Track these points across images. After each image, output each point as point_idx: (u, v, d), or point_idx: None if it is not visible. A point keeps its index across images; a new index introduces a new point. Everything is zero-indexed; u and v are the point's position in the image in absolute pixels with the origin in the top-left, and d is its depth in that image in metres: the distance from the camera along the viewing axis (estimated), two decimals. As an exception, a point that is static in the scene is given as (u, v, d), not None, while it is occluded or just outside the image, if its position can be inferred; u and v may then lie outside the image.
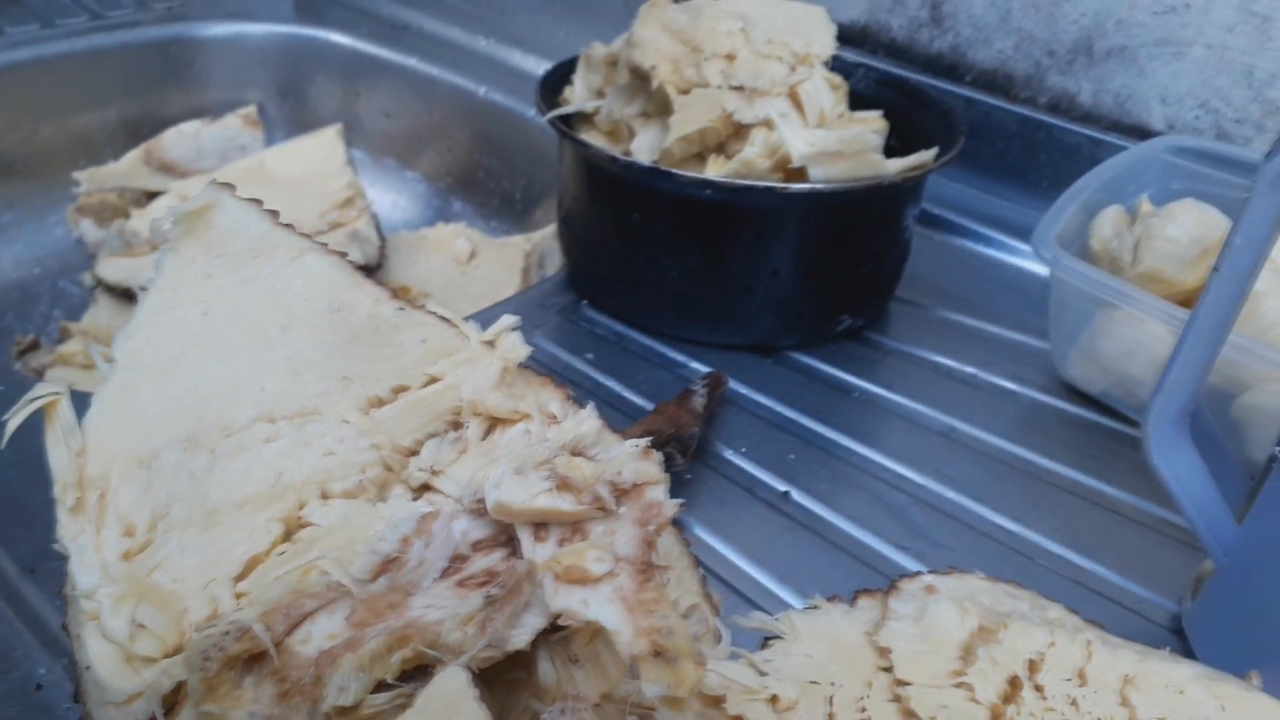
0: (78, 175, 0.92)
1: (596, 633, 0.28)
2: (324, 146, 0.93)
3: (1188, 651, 0.42)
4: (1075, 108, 0.73)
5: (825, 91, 0.55)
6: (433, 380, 0.36)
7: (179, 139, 0.98)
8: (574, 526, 0.30)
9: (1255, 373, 0.47)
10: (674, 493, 0.32)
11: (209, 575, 0.30)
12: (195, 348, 0.37)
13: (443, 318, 0.39)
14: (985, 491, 0.50)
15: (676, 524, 0.39)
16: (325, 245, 0.40)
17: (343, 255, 0.40)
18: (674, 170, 0.52)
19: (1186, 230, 0.53)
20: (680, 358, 0.59)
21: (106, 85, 0.98)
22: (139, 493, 0.32)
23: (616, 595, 0.28)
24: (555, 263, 0.84)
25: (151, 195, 0.94)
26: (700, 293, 0.58)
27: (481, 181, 0.95)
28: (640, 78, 0.56)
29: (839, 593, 0.38)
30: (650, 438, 0.33)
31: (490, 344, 0.38)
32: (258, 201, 0.40)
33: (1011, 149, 0.75)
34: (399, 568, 0.29)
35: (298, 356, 0.37)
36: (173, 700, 0.27)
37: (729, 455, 0.52)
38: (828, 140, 0.51)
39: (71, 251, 0.93)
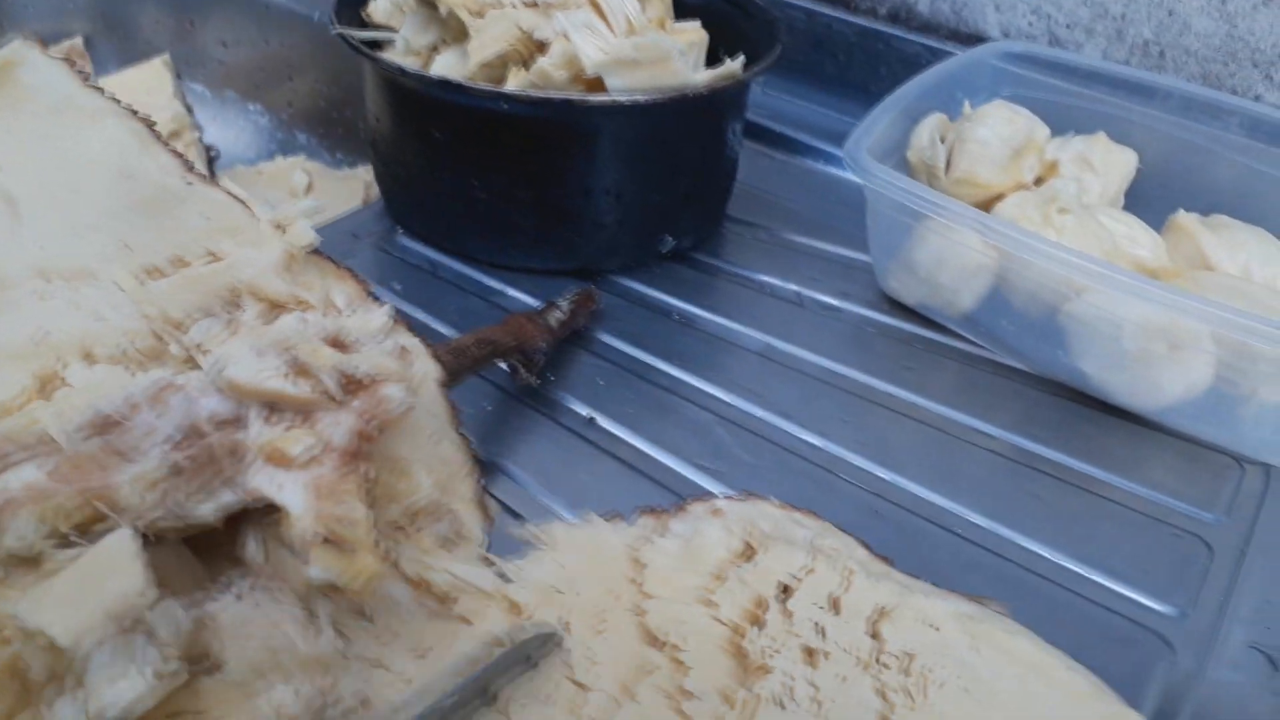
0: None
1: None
2: (149, 78, 0.88)
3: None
4: (914, 17, 0.72)
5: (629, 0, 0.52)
6: (214, 257, 0.37)
7: (-4, 75, 0.91)
8: (305, 414, 0.30)
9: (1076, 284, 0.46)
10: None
11: None
12: None
13: (235, 197, 0.39)
14: (794, 408, 0.49)
15: (466, 438, 0.38)
16: (134, 112, 0.41)
17: (150, 123, 0.41)
18: (466, 83, 0.49)
19: (996, 132, 0.52)
20: (498, 285, 0.57)
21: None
22: None
23: (311, 481, 0.27)
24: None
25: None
26: (512, 215, 0.55)
27: (324, 111, 0.91)
28: (428, 4, 0.53)
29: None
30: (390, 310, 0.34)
31: (281, 229, 0.38)
32: (69, 61, 0.41)
33: (853, 62, 0.73)
34: (120, 431, 0.29)
35: (81, 218, 0.37)
36: None
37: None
38: (622, 48, 0.48)
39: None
